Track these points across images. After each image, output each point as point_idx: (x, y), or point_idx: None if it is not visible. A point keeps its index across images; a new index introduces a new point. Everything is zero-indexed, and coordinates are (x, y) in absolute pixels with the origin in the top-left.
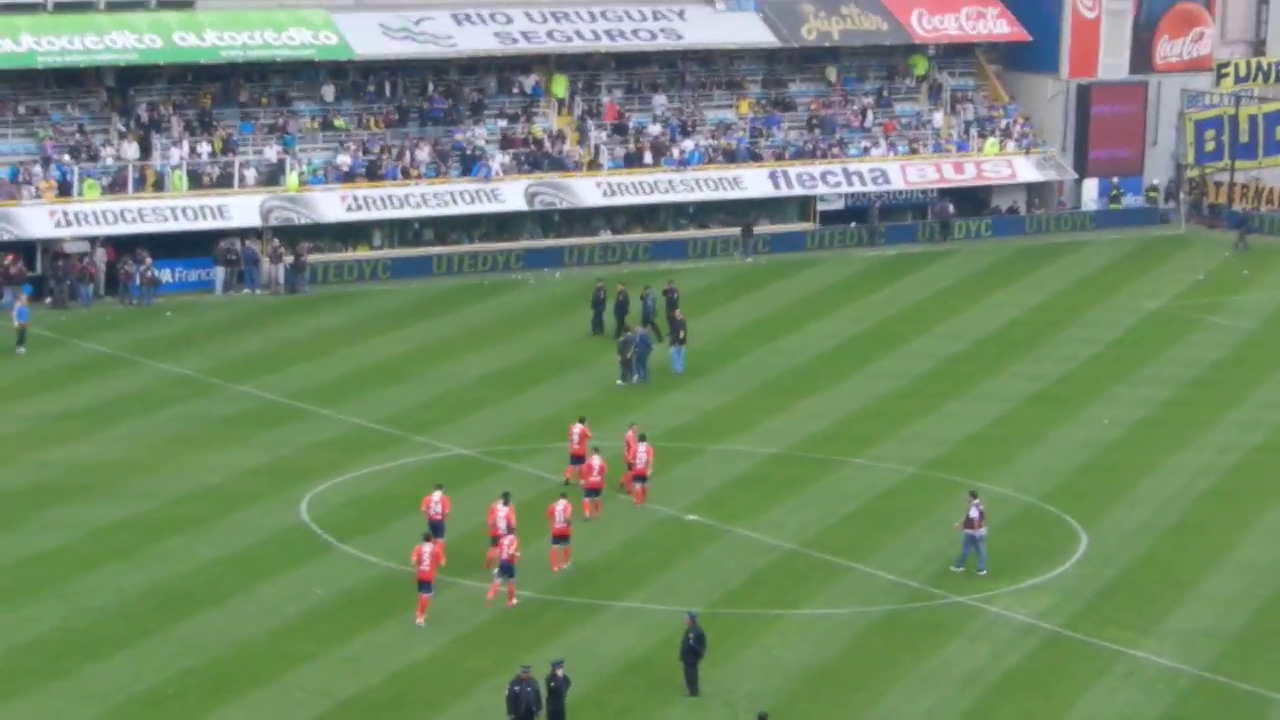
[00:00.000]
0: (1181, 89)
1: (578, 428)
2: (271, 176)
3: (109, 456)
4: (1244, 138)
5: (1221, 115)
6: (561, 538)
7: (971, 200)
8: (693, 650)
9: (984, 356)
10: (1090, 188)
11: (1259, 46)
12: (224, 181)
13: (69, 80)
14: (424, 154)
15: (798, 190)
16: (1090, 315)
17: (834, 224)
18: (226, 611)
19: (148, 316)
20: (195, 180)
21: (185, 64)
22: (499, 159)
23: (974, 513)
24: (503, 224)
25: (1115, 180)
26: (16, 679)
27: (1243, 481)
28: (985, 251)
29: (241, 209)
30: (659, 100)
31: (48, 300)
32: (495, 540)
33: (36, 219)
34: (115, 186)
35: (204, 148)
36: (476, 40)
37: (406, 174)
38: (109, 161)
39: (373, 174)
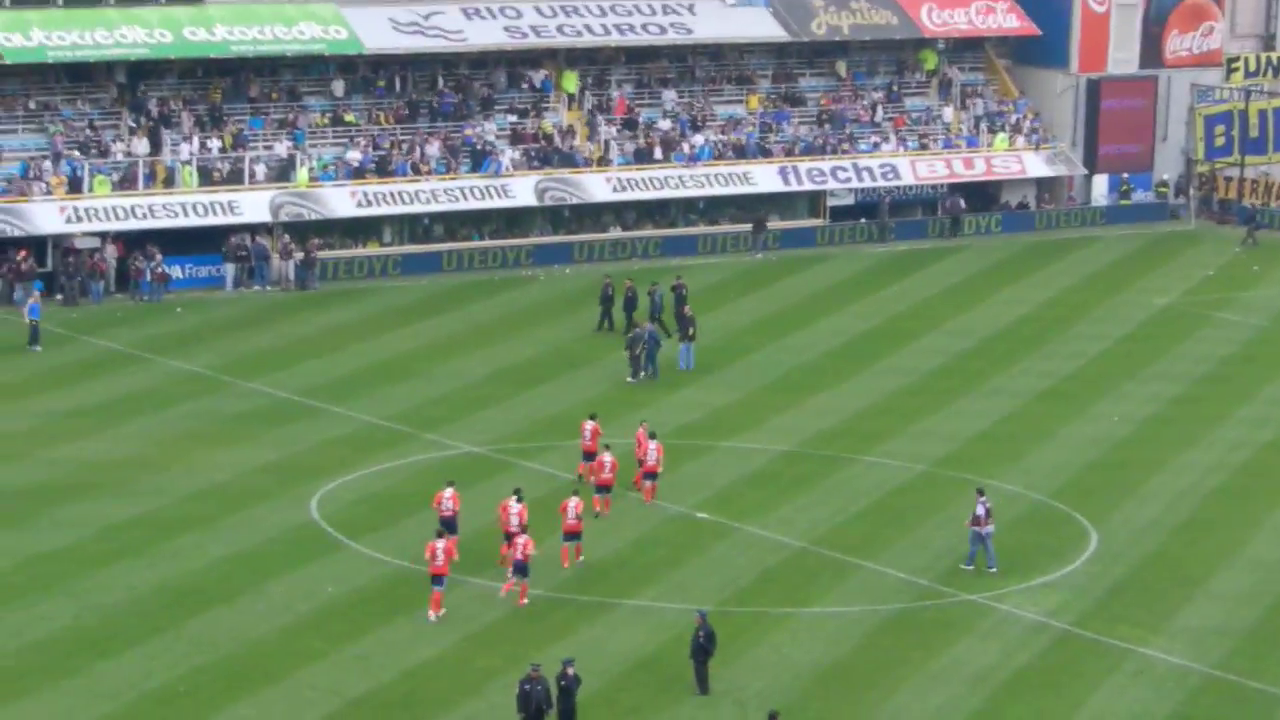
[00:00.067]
0: (1191, 84)
1: (590, 424)
2: (282, 172)
3: (119, 454)
4: (1254, 133)
5: (1231, 110)
6: (573, 534)
7: (981, 196)
8: (703, 648)
9: (994, 353)
10: (1100, 183)
11: (1269, 41)
12: (234, 177)
13: (79, 75)
14: (434, 149)
15: (807, 186)
16: (1100, 311)
17: (844, 220)
18: (237, 609)
19: (158, 313)
20: (205, 176)
21: (195, 59)
22: (509, 154)
23: (980, 510)
24: (513, 220)
25: (1125, 176)
26: (28, 677)
27: (1253, 478)
28: (995, 247)
29: (252, 205)
30: (669, 95)
31: (58, 297)
32: (509, 537)
33: (47, 215)
34: (125, 182)
35: (214, 143)
36: (486, 35)
37: (416, 169)
38: (119, 157)
39: (383, 169)
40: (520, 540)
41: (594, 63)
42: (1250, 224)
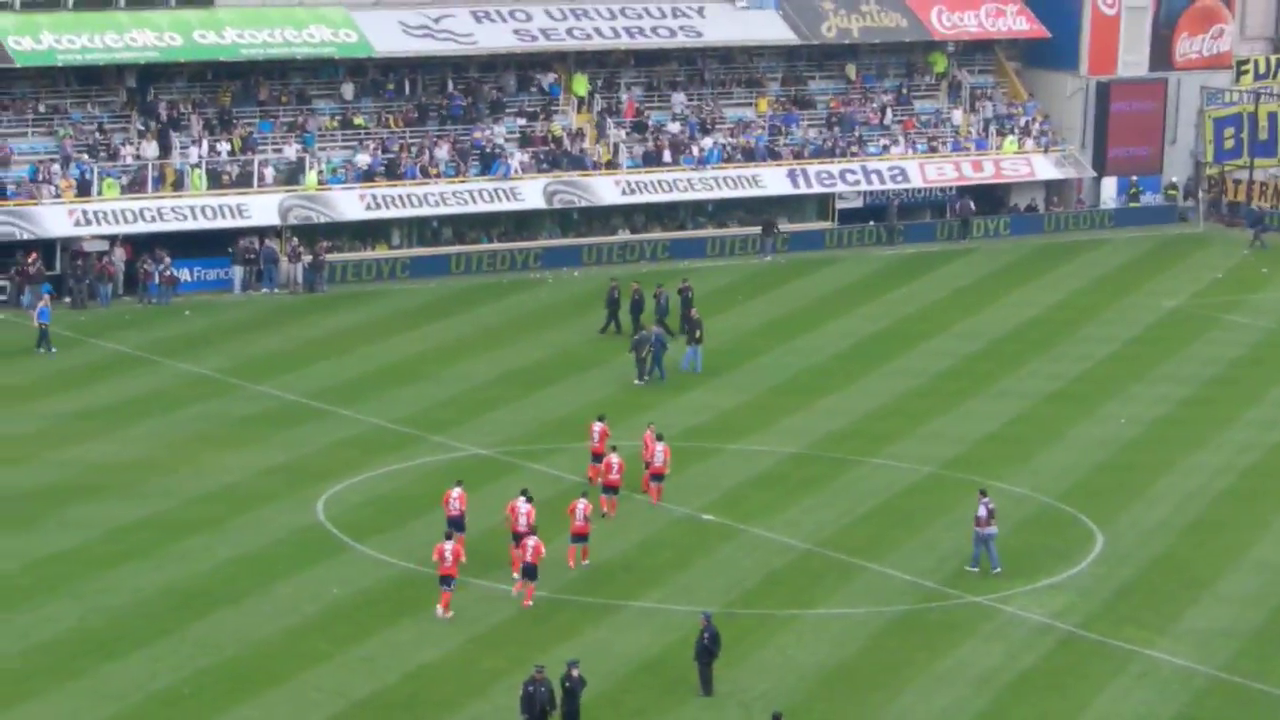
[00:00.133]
0: (1201, 86)
1: (598, 426)
2: (291, 175)
3: (127, 456)
4: (1263, 135)
5: (1241, 113)
6: (581, 536)
7: (990, 198)
8: (708, 650)
9: (1002, 355)
10: (1109, 186)
11: (1279, 44)
12: (243, 180)
13: (89, 79)
14: (443, 152)
15: (816, 189)
16: (1108, 314)
17: (852, 223)
18: (243, 611)
19: (166, 316)
20: (214, 179)
21: (205, 62)
22: (518, 157)
23: (982, 511)
24: (521, 223)
25: (1134, 178)
26: (34, 678)
27: (1261, 481)
28: (1003, 250)
29: (260, 208)
30: (678, 98)
31: (67, 300)
32: (517, 538)
33: (56, 218)
34: (134, 185)
35: (223, 146)
36: (496, 38)
37: (425, 172)
38: (128, 160)
39: (392, 173)
40: (531, 542)
41: (603, 65)
42: (1258, 226)
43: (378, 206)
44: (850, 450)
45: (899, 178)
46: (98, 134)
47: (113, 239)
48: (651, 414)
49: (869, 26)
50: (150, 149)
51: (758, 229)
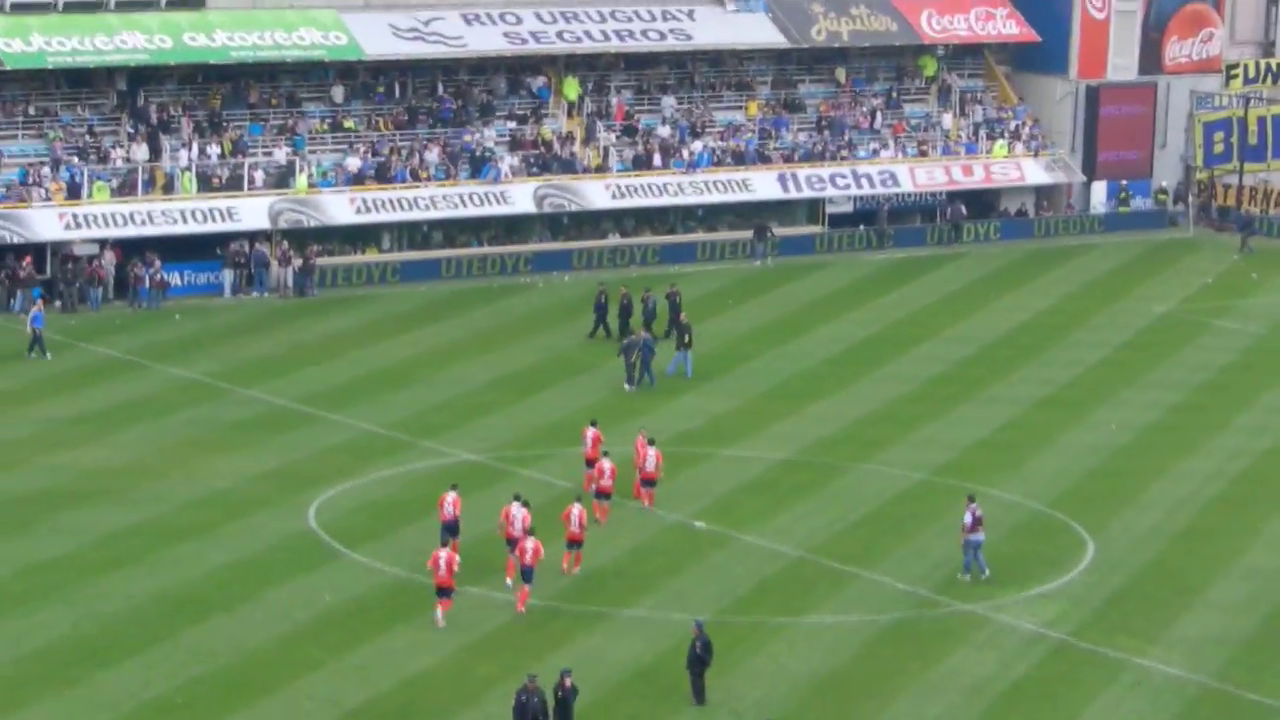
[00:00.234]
0: (1190, 90)
1: (591, 431)
2: (281, 178)
3: (119, 461)
4: (1253, 140)
5: (1230, 117)
6: (575, 542)
7: (979, 203)
8: (700, 658)
9: (993, 360)
10: (1099, 190)
11: (1268, 48)
12: (233, 183)
13: (79, 81)
14: (433, 156)
15: (806, 193)
16: (1099, 319)
17: (842, 227)
18: (236, 618)
19: (157, 320)
20: (204, 182)
21: (195, 64)
22: (508, 161)
23: (968, 518)
24: (511, 226)
25: (1124, 183)
26: (27, 686)
27: (1252, 487)
28: (994, 255)
29: (250, 211)
30: (668, 101)
31: (57, 304)
32: (512, 544)
33: (46, 221)
34: (125, 188)
35: (213, 149)
36: (486, 41)
37: (416, 176)
38: (118, 163)
39: (382, 176)
40: (530, 544)
41: (593, 69)
42: (1245, 231)
43: (368, 210)
44: (841, 456)
45: (889, 182)
46: (88, 136)
47: (103, 242)
48: (643, 419)
49: (859, 30)
50: (140, 152)
51: (748, 233)
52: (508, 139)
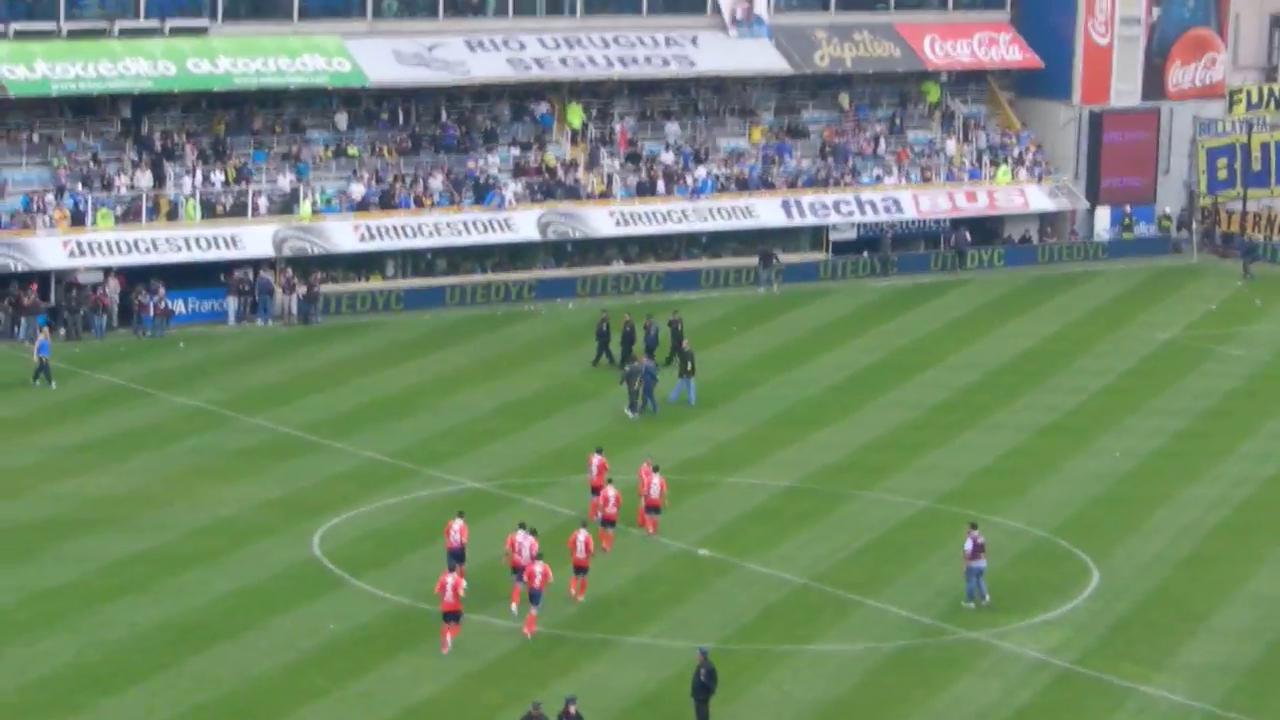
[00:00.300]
0: (1194, 116)
1: (596, 458)
2: (285, 205)
3: (123, 489)
4: (1256, 166)
5: (1234, 143)
6: (581, 569)
7: (983, 229)
8: (704, 686)
9: (997, 387)
10: (1102, 216)
11: (1271, 73)
12: (237, 211)
13: (83, 108)
14: (437, 182)
15: (810, 219)
16: (1102, 346)
17: (846, 254)
18: (240, 646)
19: (161, 348)
20: (209, 209)
21: (199, 91)
22: (512, 188)
23: (968, 545)
24: (515, 254)
25: (1128, 209)
26: (30, 714)
27: (1256, 514)
28: (997, 281)
29: (255, 239)
30: (672, 128)
31: (61, 331)
32: (518, 572)
33: (50, 249)
34: (129, 216)
35: (217, 176)
36: (490, 67)
37: (420, 203)
38: (122, 190)
39: (386, 203)
40: (539, 568)
41: (597, 95)
42: (1248, 257)
43: (372, 237)
44: (845, 484)
45: (893, 208)
46: (92, 164)
47: (107, 270)
48: (647, 446)
49: (862, 56)
50: (144, 179)
51: (752, 260)
52: (511, 166)
